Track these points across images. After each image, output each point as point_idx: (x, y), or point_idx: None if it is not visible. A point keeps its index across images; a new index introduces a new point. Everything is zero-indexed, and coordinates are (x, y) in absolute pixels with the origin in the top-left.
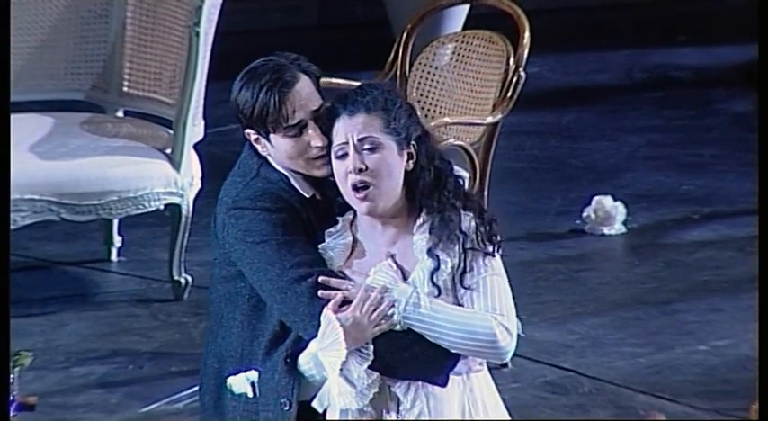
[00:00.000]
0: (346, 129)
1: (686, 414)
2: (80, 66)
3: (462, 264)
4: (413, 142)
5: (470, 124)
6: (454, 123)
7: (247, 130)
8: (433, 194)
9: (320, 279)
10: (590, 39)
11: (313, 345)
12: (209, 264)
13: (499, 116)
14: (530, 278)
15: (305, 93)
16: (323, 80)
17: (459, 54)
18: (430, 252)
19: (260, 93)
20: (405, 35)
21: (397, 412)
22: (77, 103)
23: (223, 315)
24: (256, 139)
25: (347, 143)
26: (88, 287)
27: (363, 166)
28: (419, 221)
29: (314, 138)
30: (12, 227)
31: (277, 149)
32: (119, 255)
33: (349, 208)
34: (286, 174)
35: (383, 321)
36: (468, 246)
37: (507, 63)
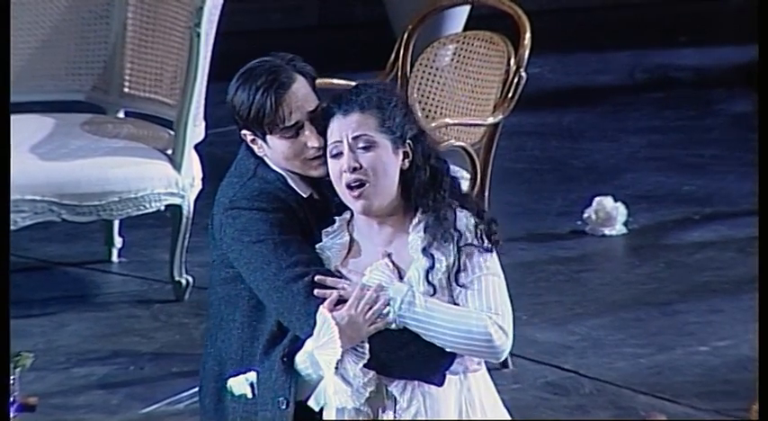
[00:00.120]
0: (340, 127)
1: (687, 414)
2: (81, 66)
3: (457, 263)
4: (408, 141)
5: (471, 125)
6: (455, 124)
7: (244, 131)
8: (429, 193)
9: (316, 278)
10: (591, 39)
11: (309, 344)
12: (209, 265)
13: (500, 117)
14: (530, 279)
15: (301, 94)
16: (322, 81)
17: (459, 55)
18: (425, 251)
19: (256, 94)
20: (405, 36)
21: (394, 411)
22: (78, 104)
23: (223, 317)
24: (253, 140)
25: (341, 142)
26: (89, 288)
27: (358, 165)
28: (415, 220)
29: (310, 138)
30: (12, 227)
31: (274, 150)
32: (119, 255)
33: (346, 207)
34: (283, 174)
35: (378, 320)
36: (461, 244)
37: (508, 64)
